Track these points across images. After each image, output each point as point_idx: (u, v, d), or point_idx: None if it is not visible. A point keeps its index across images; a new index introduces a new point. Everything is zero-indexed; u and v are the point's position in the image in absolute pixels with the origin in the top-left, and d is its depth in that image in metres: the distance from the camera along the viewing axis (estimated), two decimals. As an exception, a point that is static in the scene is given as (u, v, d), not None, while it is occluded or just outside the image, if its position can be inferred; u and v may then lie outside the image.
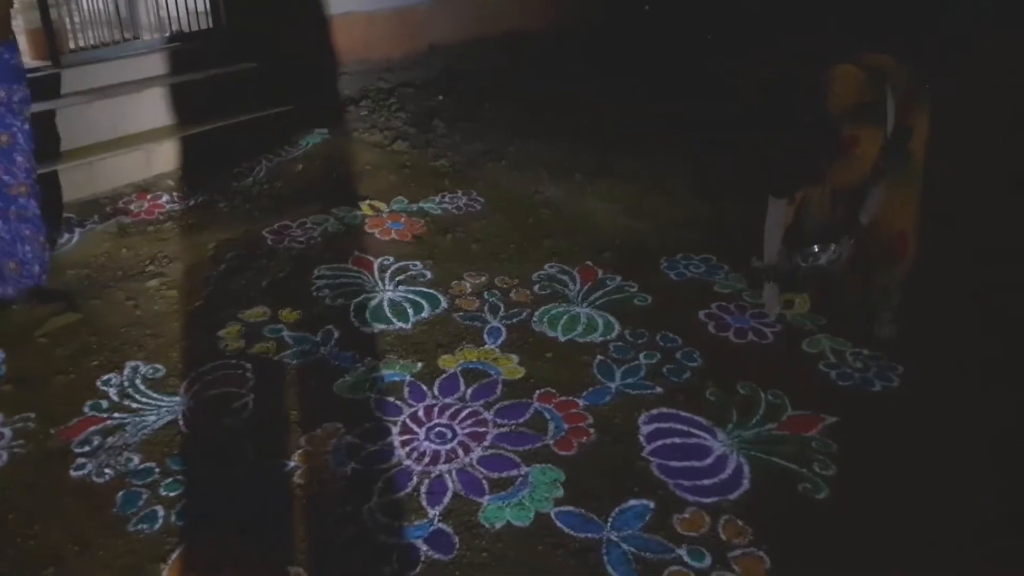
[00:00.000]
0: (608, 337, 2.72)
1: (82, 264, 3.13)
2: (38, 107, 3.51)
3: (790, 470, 2.14)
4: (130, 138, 3.91)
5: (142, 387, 2.43)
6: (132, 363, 2.53)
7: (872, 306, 2.79)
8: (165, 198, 3.69)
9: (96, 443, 2.21)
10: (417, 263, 3.19)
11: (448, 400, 2.41)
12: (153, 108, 4.03)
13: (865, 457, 2.18)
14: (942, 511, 2.01)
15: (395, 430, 2.29)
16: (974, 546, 1.91)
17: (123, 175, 3.78)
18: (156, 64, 4.20)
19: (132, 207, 3.60)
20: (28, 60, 3.66)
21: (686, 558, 1.87)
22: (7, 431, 2.25)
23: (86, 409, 2.34)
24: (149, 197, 3.69)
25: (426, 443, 2.23)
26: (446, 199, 3.78)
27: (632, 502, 2.02)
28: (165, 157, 3.90)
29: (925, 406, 2.37)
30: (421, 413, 2.36)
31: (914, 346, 2.62)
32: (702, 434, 2.27)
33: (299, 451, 2.20)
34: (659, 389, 2.45)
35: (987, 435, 2.27)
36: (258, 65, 4.42)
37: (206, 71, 4.25)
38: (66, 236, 3.33)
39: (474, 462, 2.17)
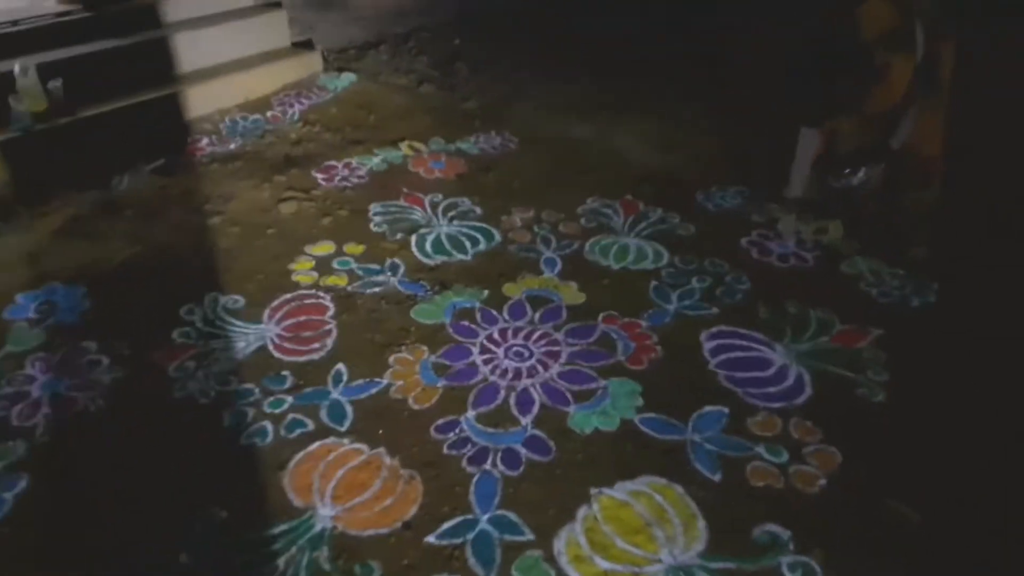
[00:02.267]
0: (659, 264, 2.82)
1: (138, 204, 3.13)
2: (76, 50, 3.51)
3: (847, 377, 2.28)
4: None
5: (225, 316, 2.50)
6: (211, 294, 2.59)
7: (903, 229, 2.91)
8: (205, 140, 3.68)
9: (192, 367, 2.28)
10: (465, 200, 3.24)
11: (519, 323, 2.50)
12: (191, 51, 3.98)
13: (912, 364, 2.32)
14: (986, 409, 2.16)
15: (475, 350, 2.38)
16: (1015, 441, 2.07)
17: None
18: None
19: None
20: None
21: (765, 455, 2.00)
22: (103, 358, 2.31)
23: (175, 336, 2.40)
24: (189, 140, 3.68)
25: (507, 361, 2.33)
26: (481, 139, 3.82)
27: (708, 408, 2.15)
28: (203, 100, 3.88)
29: (962, 319, 2.51)
30: (496, 335, 2.45)
31: (946, 266, 2.75)
32: (761, 348, 2.39)
33: (389, 370, 2.29)
34: (715, 310, 2.57)
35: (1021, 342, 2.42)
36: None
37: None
38: (117, 177, 3.32)
39: (555, 376, 2.27)
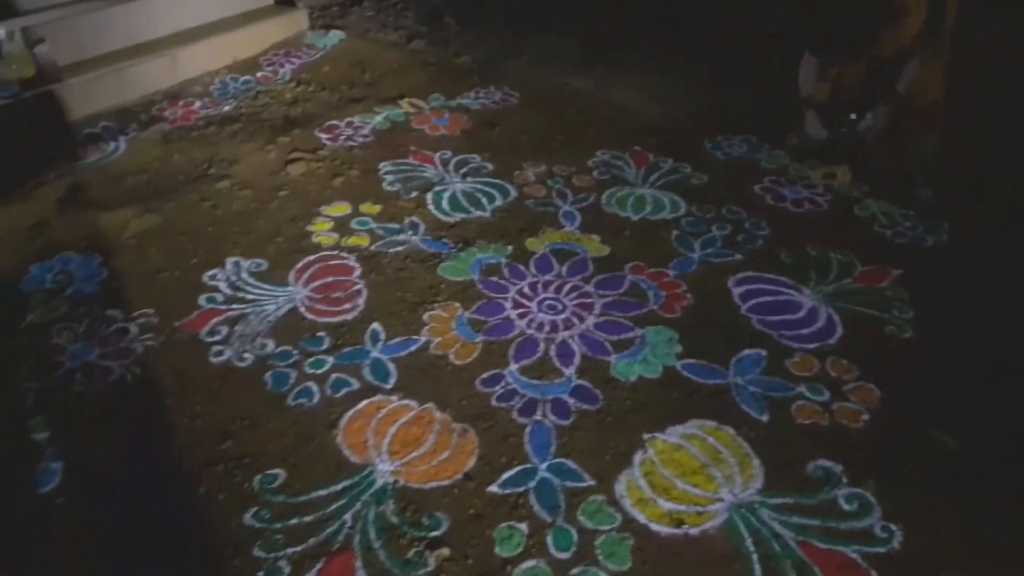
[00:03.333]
0: (677, 214, 2.82)
1: (138, 171, 3.02)
2: (57, 14, 3.34)
3: (874, 316, 2.32)
4: (151, 44, 3.71)
5: (250, 280, 2.44)
6: (232, 259, 2.52)
7: (909, 171, 2.96)
8: (198, 104, 3.55)
9: (225, 332, 2.23)
10: (475, 156, 3.19)
11: (547, 277, 2.49)
12: (174, 12, 3.80)
13: (935, 299, 2.37)
14: (1011, 336, 2.22)
15: (508, 305, 2.37)
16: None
17: (151, 82, 3.61)
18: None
19: (166, 114, 3.46)
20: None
21: (807, 394, 2.04)
22: (132, 327, 2.24)
23: (202, 302, 2.34)
24: (181, 104, 3.54)
25: (541, 315, 2.33)
26: (480, 95, 3.74)
27: (746, 352, 2.18)
28: (191, 62, 3.73)
29: (974, 253, 2.57)
30: (527, 289, 2.44)
31: (952, 206, 2.81)
32: (789, 291, 2.42)
33: (425, 327, 2.27)
34: (738, 256, 2.59)
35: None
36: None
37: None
38: (112, 144, 3.19)
39: (591, 327, 2.28)
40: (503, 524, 1.72)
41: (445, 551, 1.67)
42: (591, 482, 1.81)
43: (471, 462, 1.87)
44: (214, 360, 2.14)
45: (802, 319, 2.31)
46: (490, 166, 3.12)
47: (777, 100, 3.34)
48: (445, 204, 2.86)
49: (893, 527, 1.69)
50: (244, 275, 2.45)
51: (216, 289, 2.40)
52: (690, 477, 1.81)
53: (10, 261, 2.48)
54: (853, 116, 3.14)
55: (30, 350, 2.14)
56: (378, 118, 3.46)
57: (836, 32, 2.86)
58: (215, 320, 2.28)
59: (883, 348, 2.20)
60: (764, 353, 2.17)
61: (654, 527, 1.70)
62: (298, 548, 1.66)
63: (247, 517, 1.72)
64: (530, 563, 1.64)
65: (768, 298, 2.40)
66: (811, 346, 2.21)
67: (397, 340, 2.23)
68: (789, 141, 3.26)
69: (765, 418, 1.97)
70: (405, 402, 2.03)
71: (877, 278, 2.49)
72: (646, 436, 1.92)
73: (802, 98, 3.17)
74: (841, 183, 3.03)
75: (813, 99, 3.15)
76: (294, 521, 1.72)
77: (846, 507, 1.73)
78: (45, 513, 1.73)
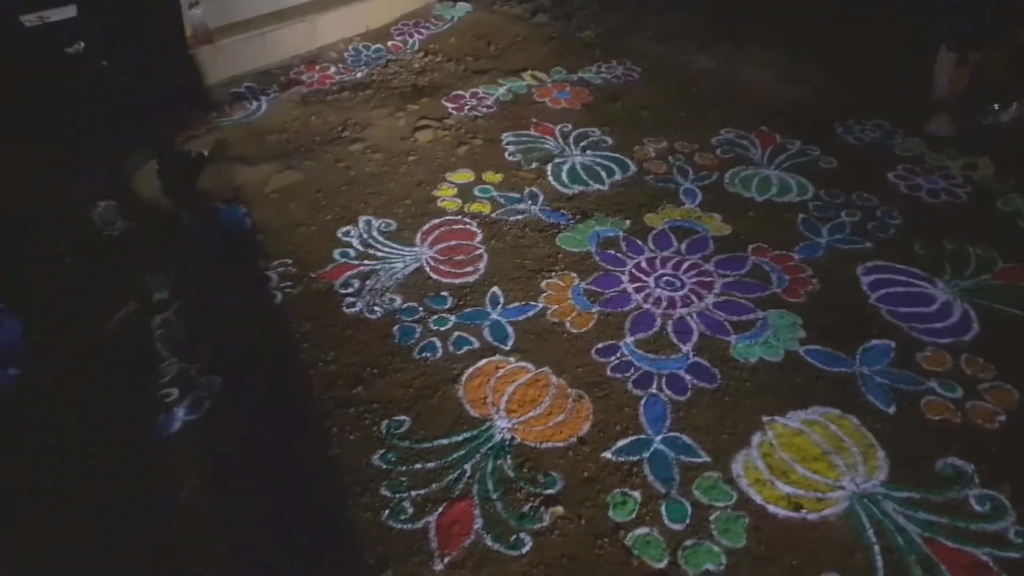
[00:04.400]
0: (804, 197, 2.71)
1: (278, 130, 3.17)
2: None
3: (1016, 315, 2.17)
4: (292, 10, 3.85)
5: (380, 238, 2.53)
6: (364, 217, 2.61)
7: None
8: (333, 69, 3.67)
9: (357, 285, 2.33)
10: (595, 130, 3.16)
11: (666, 253, 2.46)
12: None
13: (1085, 305, 2.20)
14: None
15: (624, 279, 2.36)
16: None
17: (291, 46, 3.76)
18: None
19: (304, 78, 3.59)
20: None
21: (938, 389, 1.94)
22: (272, 275, 2.37)
23: (336, 256, 2.45)
24: (318, 68, 3.67)
25: (658, 290, 2.30)
26: (603, 69, 3.70)
27: (874, 342, 2.09)
28: (328, 29, 3.86)
29: None
30: (644, 264, 2.41)
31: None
32: (922, 283, 2.30)
33: (543, 295, 2.29)
34: (868, 244, 2.46)
35: None
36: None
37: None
38: (254, 104, 3.36)
39: (710, 307, 2.23)
40: (616, 490, 1.73)
41: (560, 509, 1.70)
42: (706, 458, 1.79)
43: (585, 427, 1.88)
44: (347, 311, 2.24)
45: (935, 313, 2.18)
46: (610, 140, 3.09)
47: (914, 84, 3.14)
48: (564, 176, 2.85)
49: (1030, 533, 1.60)
50: (375, 233, 2.54)
51: (349, 245, 2.50)
52: (810, 463, 1.76)
53: (166, 205, 2.66)
54: (996, 106, 2.92)
55: (181, 290, 2.30)
56: (501, 90, 3.47)
57: (975, 14, 2.66)
58: (348, 274, 2.38)
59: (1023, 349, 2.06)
60: (893, 344, 2.07)
61: (771, 508, 1.67)
62: (421, 491, 1.73)
63: (375, 458, 1.80)
64: (643, 530, 1.65)
65: (899, 289, 2.28)
66: (944, 341, 2.09)
67: (515, 305, 2.26)
68: (927, 128, 3.06)
69: (892, 410, 1.88)
70: (522, 364, 2.06)
71: (1020, 276, 2.32)
72: (765, 418, 1.88)
73: (935, 99, 2.98)
74: (983, 175, 2.82)
75: (947, 101, 2.96)
76: (418, 466, 1.79)
77: (978, 508, 1.64)
78: (191, 438, 1.87)
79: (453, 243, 2.51)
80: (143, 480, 1.78)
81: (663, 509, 1.68)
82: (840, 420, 1.86)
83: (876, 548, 1.58)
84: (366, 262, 2.43)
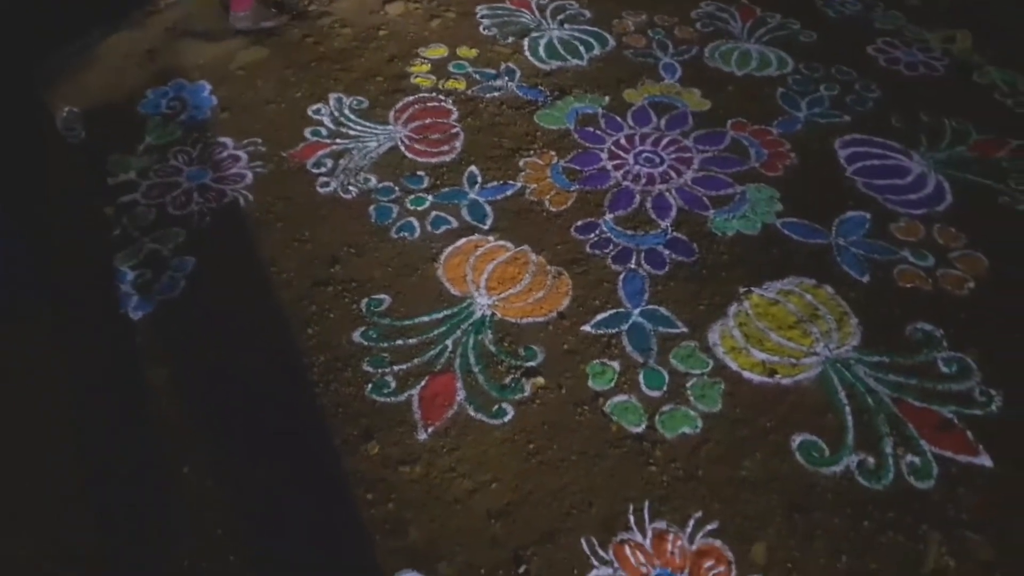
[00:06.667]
0: (784, 71, 2.54)
1: (241, 5, 2.88)
2: None
3: (987, 186, 2.09)
4: None
5: (353, 116, 2.34)
6: (334, 95, 2.41)
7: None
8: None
9: (330, 165, 2.16)
10: (573, 2, 2.91)
11: (645, 130, 2.31)
12: None
13: (1055, 176, 2.12)
14: None
15: (604, 156, 2.22)
16: None
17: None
18: None
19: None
20: None
21: (911, 258, 1.88)
22: (241, 153, 2.19)
23: (308, 135, 2.26)
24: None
25: (637, 167, 2.17)
26: (579, -60, 3.38)
27: (850, 214, 2.00)
28: None
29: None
30: (623, 140, 2.27)
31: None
32: (898, 156, 2.19)
33: (521, 173, 2.15)
34: (846, 117, 2.33)
35: None
36: None
37: None
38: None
39: (689, 182, 2.12)
40: (596, 361, 1.68)
41: (540, 380, 1.64)
42: (684, 329, 1.73)
43: (565, 302, 1.80)
44: (321, 190, 2.09)
45: (910, 184, 2.09)
46: (588, 13, 2.85)
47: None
48: (542, 51, 2.64)
49: (993, 392, 1.58)
50: (347, 111, 2.35)
51: (321, 123, 2.31)
52: (785, 331, 1.71)
53: (127, 84, 2.42)
54: None
55: (149, 171, 2.13)
56: (474, -40, 3.17)
57: None
58: (320, 152, 2.20)
59: (995, 218, 1.99)
60: (868, 216, 1.99)
61: (746, 374, 1.63)
62: (403, 366, 1.66)
63: (356, 335, 1.72)
64: (622, 397, 1.61)
65: (875, 161, 2.17)
66: (918, 212, 2.01)
67: (493, 184, 2.12)
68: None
69: (866, 279, 1.82)
70: (502, 243, 1.95)
71: (994, 148, 2.22)
72: (742, 289, 1.81)
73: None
74: (961, 48, 2.66)
75: None
76: (399, 342, 1.71)
77: (945, 370, 1.62)
78: (168, 318, 1.76)
79: (428, 121, 2.33)
80: (118, 362, 1.68)
81: (641, 377, 1.64)
82: (815, 290, 1.80)
83: (847, 410, 1.56)
84: (339, 141, 2.25)
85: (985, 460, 1.48)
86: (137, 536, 1.42)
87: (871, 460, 1.48)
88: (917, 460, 1.48)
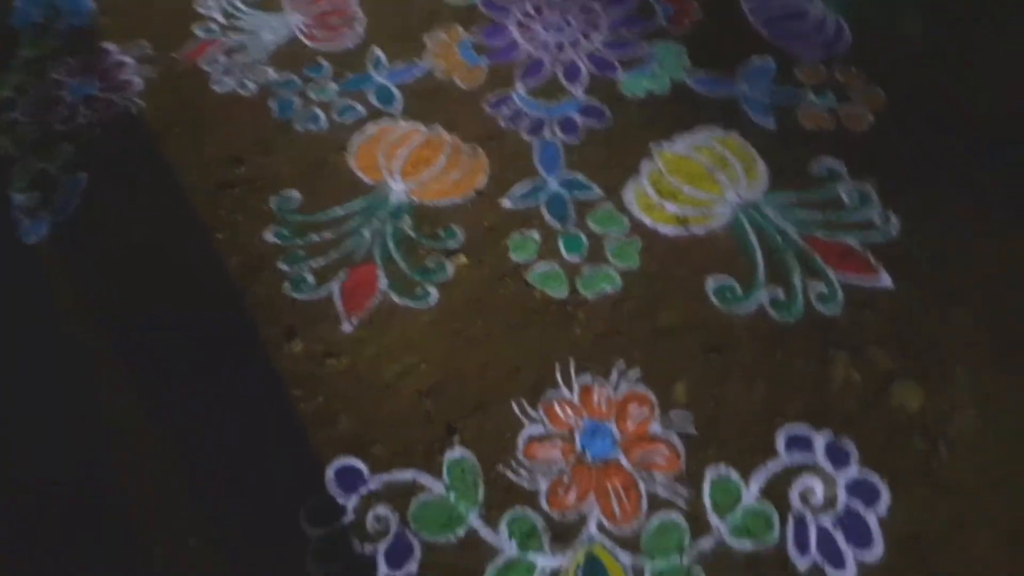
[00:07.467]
0: (689, -77, 2.42)
1: None
2: None
3: (885, 24, 2.06)
4: None
5: (243, 7, 2.15)
6: (220, -13, 2.21)
7: None
8: None
9: (224, 61, 2.01)
10: None
11: (551, -3, 2.20)
12: None
13: (949, 11, 2.10)
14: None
15: (512, 27, 2.10)
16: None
17: None
18: None
19: None
20: None
21: (813, 98, 1.87)
22: (127, 59, 2.01)
23: (198, 32, 2.09)
24: None
25: (546, 35, 2.08)
26: None
27: (756, 61, 1.96)
28: None
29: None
30: (530, 9, 2.15)
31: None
32: (799, 2, 2.13)
33: (428, 52, 2.03)
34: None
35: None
36: None
37: None
38: None
39: (599, 47, 2.04)
40: (516, 233, 1.65)
41: (462, 258, 1.62)
42: (600, 193, 1.71)
43: (482, 179, 1.76)
44: (217, 89, 1.94)
45: (811, 28, 2.06)
46: None
47: None
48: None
49: (892, 216, 1.62)
50: (237, 2, 2.16)
51: (210, 18, 2.12)
52: (697, 183, 1.71)
53: (-10, -3, 2.18)
54: None
55: (27, 85, 1.94)
56: None
57: None
58: (211, 49, 2.04)
59: (892, 57, 1.98)
60: (773, 63, 1.96)
61: (661, 229, 1.63)
62: (321, 261, 1.61)
63: (268, 235, 1.65)
64: (543, 266, 1.60)
65: (778, 12, 2.12)
66: (819, 54, 1.98)
67: (400, 66, 2.01)
68: None
69: (772, 125, 1.81)
70: (413, 125, 1.87)
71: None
72: (653, 147, 1.78)
73: None
74: None
75: None
76: (314, 237, 1.65)
77: (847, 200, 1.65)
78: (66, 239, 1.66)
79: (325, 5, 2.17)
80: (16, 291, 1.59)
81: (561, 244, 1.62)
82: (725, 140, 1.78)
83: (758, 251, 1.58)
84: (230, 35, 2.08)
85: (886, 280, 1.53)
86: (60, 452, 1.39)
87: (781, 293, 1.52)
88: (824, 288, 1.53)
